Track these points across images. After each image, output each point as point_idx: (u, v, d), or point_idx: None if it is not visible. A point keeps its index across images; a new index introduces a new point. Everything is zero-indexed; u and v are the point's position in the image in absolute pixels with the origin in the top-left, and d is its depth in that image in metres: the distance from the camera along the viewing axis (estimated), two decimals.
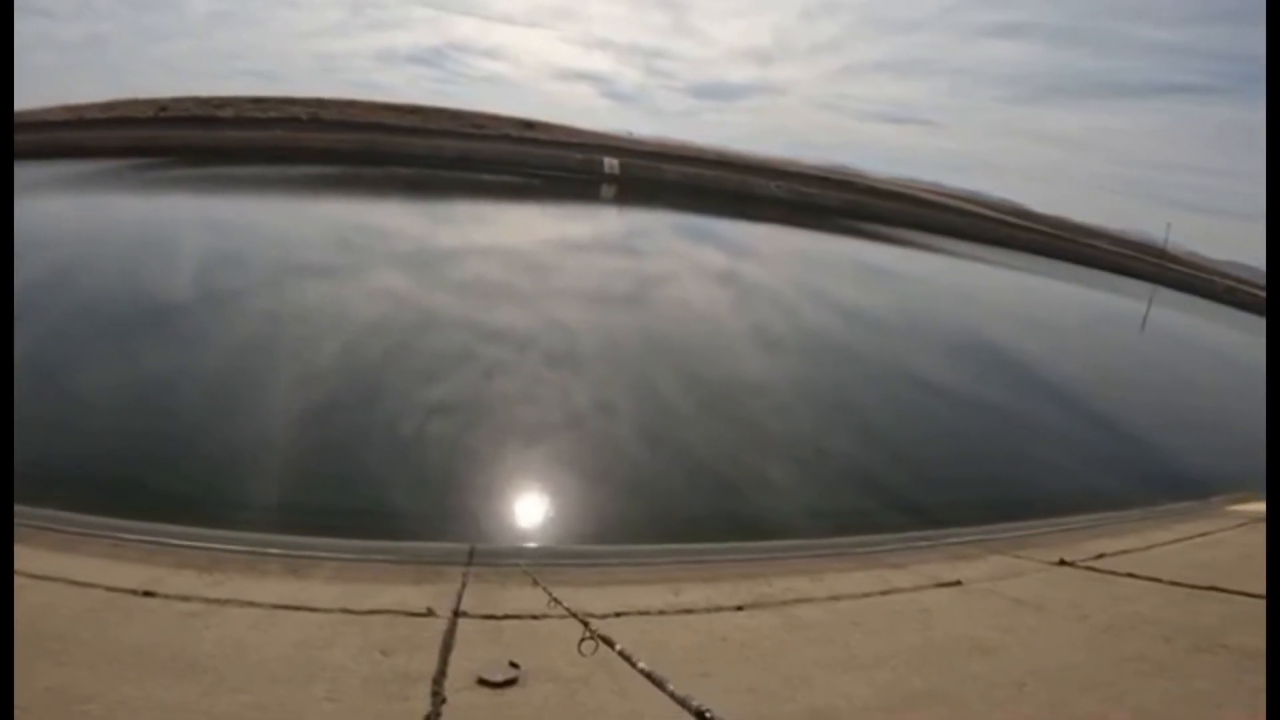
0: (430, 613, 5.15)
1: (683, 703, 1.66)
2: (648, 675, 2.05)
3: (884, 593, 6.48)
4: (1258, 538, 9.22)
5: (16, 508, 4.58)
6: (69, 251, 18.15)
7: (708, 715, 1.47)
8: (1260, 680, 4.64)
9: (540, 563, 7.07)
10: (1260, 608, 6.11)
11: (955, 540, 8.90)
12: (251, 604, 5.07)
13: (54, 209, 24.17)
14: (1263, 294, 60.66)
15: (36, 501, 6.69)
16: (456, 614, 5.19)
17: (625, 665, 4.38)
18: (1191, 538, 9.04)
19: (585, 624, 3.04)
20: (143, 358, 12.25)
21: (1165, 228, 77.95)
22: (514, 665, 4.29)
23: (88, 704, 3.58)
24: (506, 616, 5.23)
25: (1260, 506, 10.91)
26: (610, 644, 2.82)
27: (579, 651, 2.79)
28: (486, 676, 4.15)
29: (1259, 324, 49.78)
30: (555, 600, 4.39)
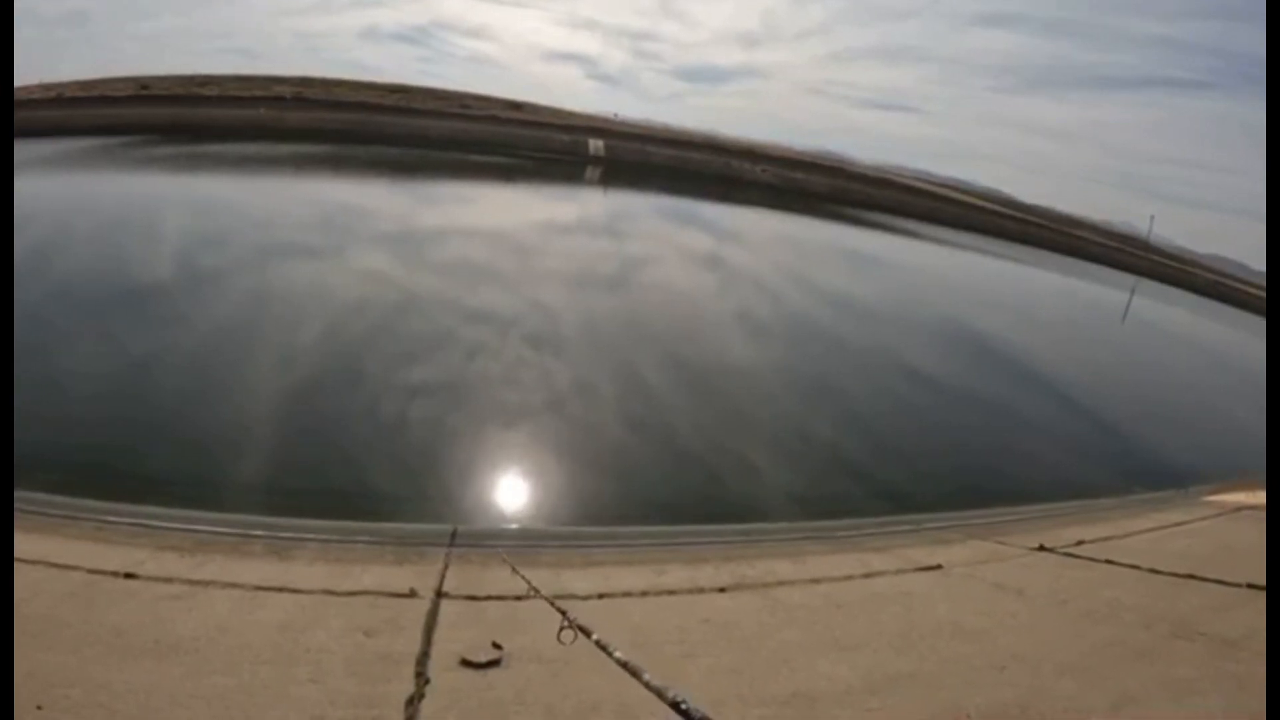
0: (413, 594, 5.15)
1: (659, 693, 1.66)
2: (623, 665, 2.05)
3: (865, 576, 6.51)
4: (1235, 527, 9.31)
5: None
6: (47, 231, 17.97)
7: (683, 706, 1.47)
8: (1237, 667, 4.70)
9: (523, 544, 7.08)
10: (1238, 596, 6.18)
11: (936, 525, 8.95)
12: (234, 585, 5.06)
13: (33, 188, 23.89)
14: (1245, 288, 61.23)
15: (18, 484, 6.64)
16: (439, 595, 5.20)
17: (608, 647, 4.39)
18: (1168, 526, 9.12)
19: (563, 613, 3.05)
20: (124, 339, 12.15)
21: (1148, 220, 78.53)
22: (497, 646, 4.30)
23: (70, 688, 3.56)
24: (489, 597, 5.23)
25: (1237, 497, 11.01)
26: (587, 633, 2.83)
27: (559, 640, 2.81)
28: (470, 657, 4.15)
29: (1240, 317, 50.20)
30: (534, 589, 4.40)
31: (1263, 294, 59.07)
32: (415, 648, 4.31)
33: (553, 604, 3.64)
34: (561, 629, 2.97)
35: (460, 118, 55.73)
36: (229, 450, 9.11)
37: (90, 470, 8.17)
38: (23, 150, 28.93)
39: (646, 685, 1.79)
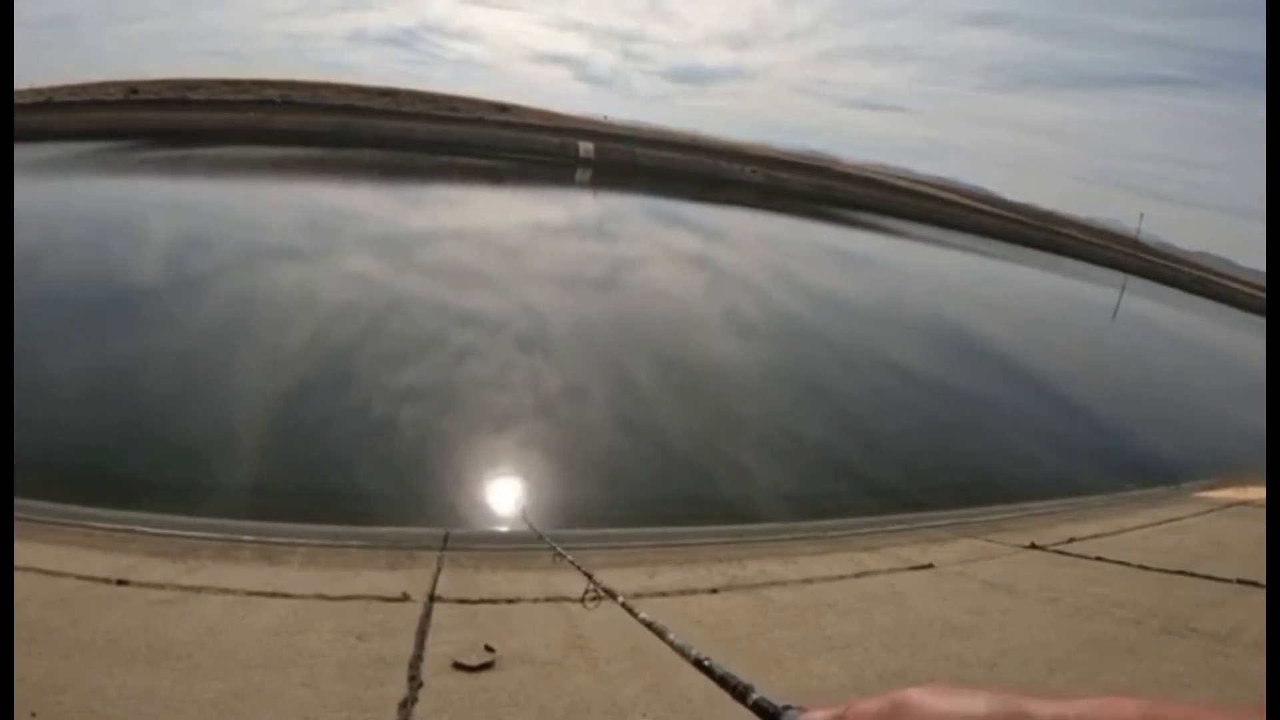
0: (405, 597, 5.15)
1: (682, 651, 1.67)
2: (648, 625, 2.07)
3: (857, 575, 6.53)
4: (1226, 523, 9.36)
5: None
6: (35, 235, 17.88)
7: (705, 664, 1.48)
8: (1227, 663, 4.72)
9: (515, 547, 7.08)
10: (1229, 592, 6.21)
11: (927, 524, 8.98)
12: (225, 591, 5.05)
13: (21, 193, 23.79)
14: (1231, 284, 61.64)
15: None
16: (432, 598, 5.19)
17: (600, 648, 4.41)
18: (1160, 523, 9.16)
19: (589, 576, 3.09)
20: (111, 343, 12.09)
21: (1138, 218, 78.98)
22: (489, 649, 4.30)
23: (61, 694, 3.56)
24: (481, 601, 5.24)
25: (1229, 493, 11.08)
26: (613, 596, 2.86)
27: (584, 605, 2.85)
28: (462, 660, 4.16)
29: (1227, 313, 50.49)
30: (560, 554, 4.42)
31: (1249, 290, 59.62)
32: (408, 651, 4.31)
33: (579, 568, 3.66)
34: (586, 592, 3.00)
35: (448, 120, 55.78)
36: (219, 454, 9.07)
37: (78, 475, 8.13)
38: (15, 155, 28.78)
39: (670, 644, 1.81)
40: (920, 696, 0.66)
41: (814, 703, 0.87)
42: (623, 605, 2.69)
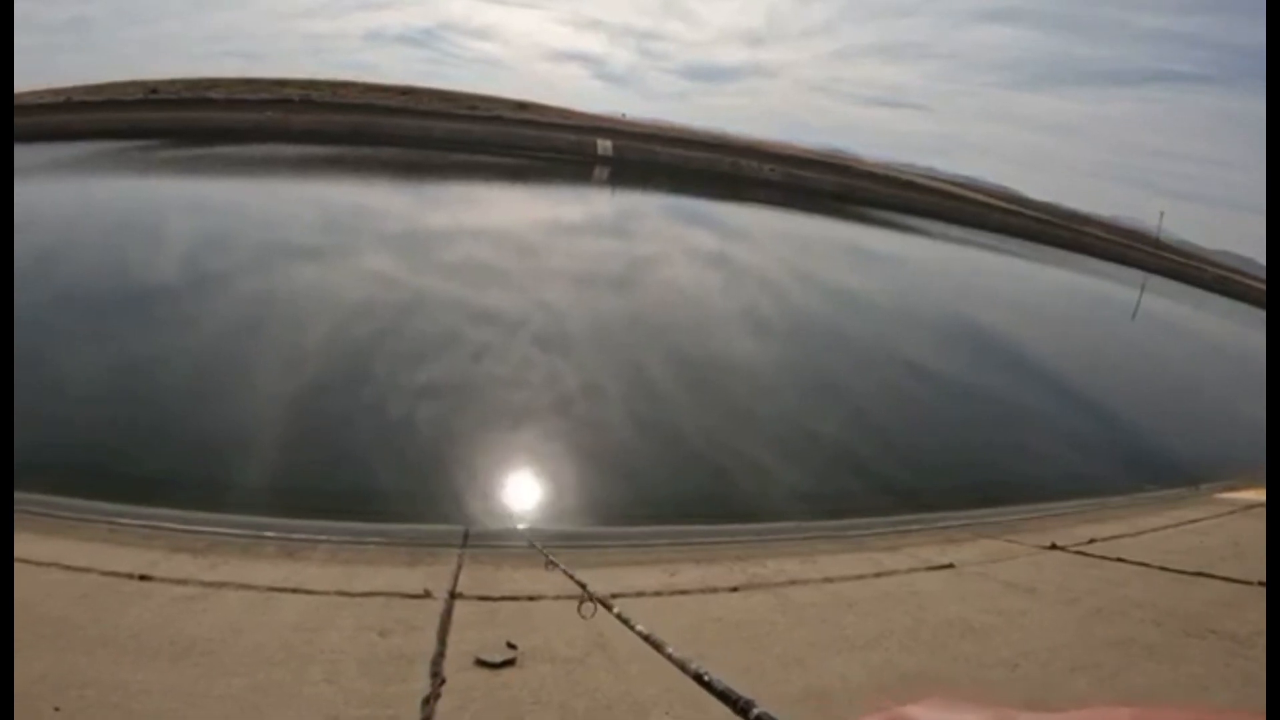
0: (427, 594, 5.17)
1: (681, 665, 1.68)
2: (645, 638, 2.07)
3: (876, 575, 6.52)
4: (1247, 525, 9.29)
5: None
6: (55, 233, 18.03)
7: (705, 678, 1.49)
8: (1247, 665, 4.69)
9: (535, 545, 7.10)
10: (1249, 593, 6.17)
11: (946, 524, 8.94)
12: (247, 587, 5.08)
13: (42, 192, 23.99)
14: (1253, 283, 61.01)
15: (29, 487, 6.64)
16: (453, 595, 5.22)
17: (621, 646, 4.41)
18: (1181, 524, 9.10)
19: (583, 586, 3.07)
20: (133, 341, 12.19)
21: (1158, 216, 78.21)
22: (511, 646, 4.32)
23: (85, 688, 3.59)
24: (503, 598, 5.25)
25: (1249, 494, 10.99)
26: (608, 606, 2.85)
27: (579, 614, 2.83)
28: (484, 657, 4.17)
29: (1249, 313, 50.04)
30: (552, 563, 4.44)
31: None
32: (430, 648, 4.33)
33: (572, 577, 3.67)
34: (582, 602, 2.99)
35: (467, 119, 55.75)
36: (240, 451, 9.12)
37: (101, 472, 8.20)
38: (34, 154, 29.04)
39: (669, 658, 1.81)
40: (919, 713, 0.68)
41: (831, 705, 0.87)
42: (618, 617, 2.69)
